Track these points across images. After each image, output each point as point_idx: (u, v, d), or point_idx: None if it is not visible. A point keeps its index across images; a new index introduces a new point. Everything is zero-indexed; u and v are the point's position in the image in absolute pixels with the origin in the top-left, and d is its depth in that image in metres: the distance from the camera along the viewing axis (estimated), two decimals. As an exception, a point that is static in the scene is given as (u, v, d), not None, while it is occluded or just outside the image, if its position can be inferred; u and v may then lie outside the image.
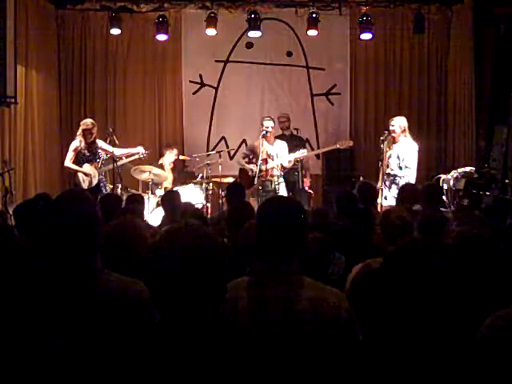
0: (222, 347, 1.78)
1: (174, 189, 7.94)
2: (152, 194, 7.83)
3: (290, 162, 7.59)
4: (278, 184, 7.58)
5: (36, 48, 8.43)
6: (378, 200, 6.53)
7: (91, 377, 1.86)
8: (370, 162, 8.82)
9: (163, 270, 1.74)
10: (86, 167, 7.46)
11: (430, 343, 1.72)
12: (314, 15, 8.83)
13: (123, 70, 9.55)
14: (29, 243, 3.13)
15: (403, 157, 7.07)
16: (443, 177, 7.71)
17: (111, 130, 7.76)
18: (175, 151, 8.69)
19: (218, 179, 8.32)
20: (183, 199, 6.36)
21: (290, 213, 2.11)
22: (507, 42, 8.74)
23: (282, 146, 7.70)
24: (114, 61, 9.52)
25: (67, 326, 1.87)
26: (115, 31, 9.00)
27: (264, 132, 7.53)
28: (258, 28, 8.81)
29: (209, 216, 7.17)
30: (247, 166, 7.86)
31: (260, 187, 7.39)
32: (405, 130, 7.19)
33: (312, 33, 8.92)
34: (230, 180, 8.14)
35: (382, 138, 7.21)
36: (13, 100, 7.35)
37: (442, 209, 5.98)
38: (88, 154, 7.47)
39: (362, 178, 7.56)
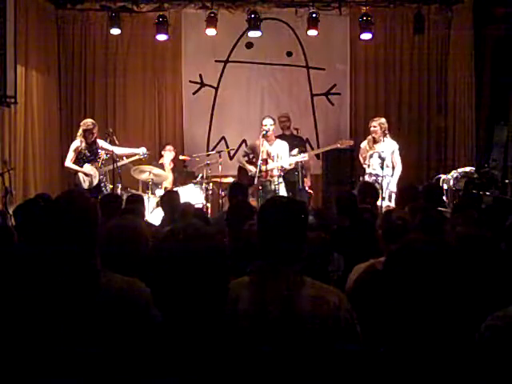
0: (223, 347, 1.78)
1: (174, 189, 7.95)
2: (152, 193, 7.83)
3: (290, 164, 7.59)
4: (278, 184, 7.57)
5: (36, 48, 8.43)
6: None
7: (92, 377, 1.86)
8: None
9: (165, 270, 1.74)
10: (87, 167, 7.46)
11: (430, 343, 1.72)
12: (313, 15, 8.83)
13: (123, 70, 9.54)
14: (28, 243, 3.13)
15: (385, 156, 7.24)
16: (443, 177, 7.72)
17: (111, 130, 7.77)
18: (171, 147, 8.69)
19: (218, 179, 8.31)
20: (183, 199, 6.37)
21: (291, 213, 2.11)
22: (507, 42, 8.74)
23: (282, 145, 7.69)
24: (114, 61, 9.51)
25: (68, 326, 1.87)
26: (115, 31, 9.00)
27: (264, 132, 7.52)
28: (258, 28, 8.80)
29: (209, 216, 7.17)
30: (247, 166, 7.86)
31: (260, 187, 7.38)
32: (385, 130, 7.41)
33: (312, 33, 8.92)
34: (230, 180, 8.14)
35: (364, 141, 7.60)
36: (13, 100, 7.35)
37: (442, 209, 5.98)
38: (89, 154, 7.47)
39: (362, 178, 7.58)
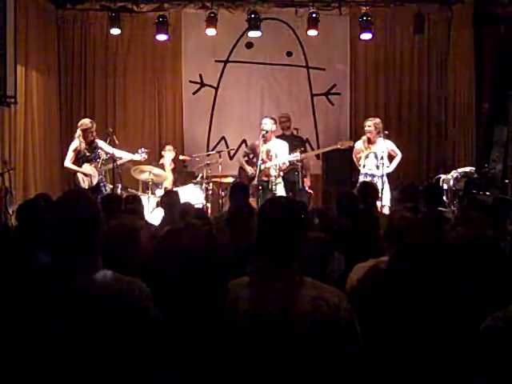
0: (222, 347, 1.78)
1: (174, 189, 7.95)
2: (152, 193, 7.83)
3: (283, 163, 7.57)
4: (276, 184, 7.57)
5: (36, 48, 8.43)
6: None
7: (91, 376, 1.86)
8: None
9: (165, 270, 1.74)
10: (86, 167, 7.44)
11: (432, 343, 1.72)
12: (314, 15, 8.83)
13: (123, 70, 9.54)
14: (29, 243, 3.13)
15: (381, 155, 7.25)
16: (443, 177, 7.73)
17: (111, 130, 7.76)
18: (171, 148, 8.69)
19: (218, 179, 8.31)
20: (183, 199, 6.36)
21: (290, 213, 2.11)
22: (507, 42, 8.74)
23: (282, 145, 7.69)
24: (114, 61, 9.51)
25: (67, 325, 1.87)
26: (115, 31, 9.00)
27: (264, 132, 7.52)
28: (258, 28, 8.80)
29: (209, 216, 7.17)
30: (245, 166, 7.85)
31: (259, 187, 7.38)
32: (380, 130, 7.43)
33: (312, 33, 8.92)
34: (230, 180, 8.14)
35: (358, 141, 7.61)
36: (13, 100, 7.35)
37: (442, 209, 5.98)
38: (88, 154, 7.46)
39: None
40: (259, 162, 7.32)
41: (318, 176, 9.17)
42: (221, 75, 9.66)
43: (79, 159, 7.43)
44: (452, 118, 9.42)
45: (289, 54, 9.66)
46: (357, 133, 9.47)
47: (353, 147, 8.30)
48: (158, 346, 1.86)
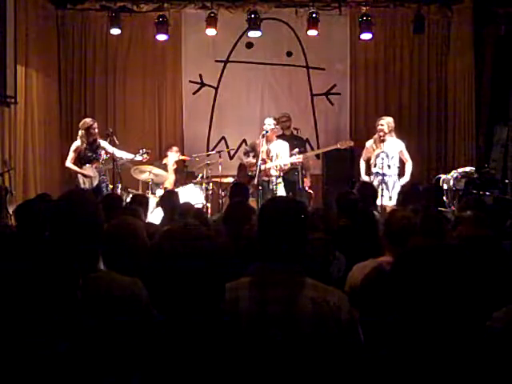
0: (222, 347, 1.77)
1: (174, 189, 7.95)
2: (152, 193, 7.83)
3: (285, 164, 7.57)
4: (276, 184, 7.56)
5: (36, 48, 8.42)
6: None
7: (91, 377, 1.86)
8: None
9: (163, 270, 1.74)
10: (87, 168, 7.43)
11: (437, 344, 1.72)
12: (314, 15, 8.83)
13: (123, 70, 9.54)
14: (29, 243, 3.12)
15: (392, 155, 7.23)
16: (443, 177, 7.72)
17: (111, 130, 7.75)
18: (177, 149, 8.70)
19: (218, 179, 8.32)
20: (183, 199, 6.36)
21: (291, 213, 2.11)
22: (507, 42, 8.75)
23: (282, 145, 7.68)
24: (114, 61, 9.51)
25: (67, 325, 1.87)
26: (115, 31, 8.99)
27: (264, 132, 7.52)
28: (258, 28, 8.80)
29: (209, 216, 7.17)
30: (245, 159, 7.81)
31: (260, 187, 7.37)
32: (392, 129, 7.39)
33: (312, 33, 8.92)
34: (230, 180, 8.14)
35: (370, 140, 7.52)
36: (13, 100, 7.35)
37: (442, 209, 5.99)
38: (90, 155, 7.44)
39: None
40: (259, 161, 7.31)
41: (318, 176, 9.17)
42: (221, 75, 9.66)
43: (80, 159, 7.42)
44: (452, 117, 9.42)
45: (289, 53, 9.66)
46: (357, 133, 9.49)
47: (353, 147, 8.31)
48: (158, 346, 1.86)
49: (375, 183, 7.09)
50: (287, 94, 9.68)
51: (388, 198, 7.09)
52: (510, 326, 1.77)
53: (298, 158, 7.51)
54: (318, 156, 9.19)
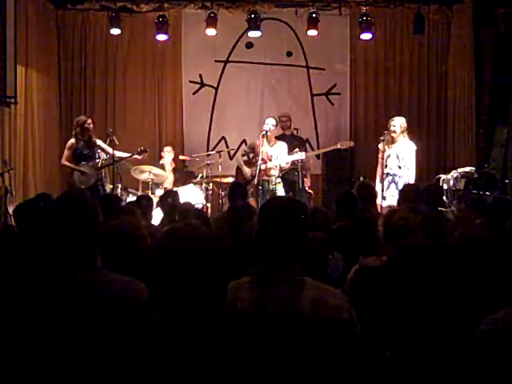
0: (222, 347, 1.78)
1: (174, 189, 7.95)
2: (152, 193, 7.82)
3: (287, 163, 7.56)
4: (276, 184, 7.56)
5: (36, 48, 8.43)
6: (378, 200, 6.53)
7: (91, 377, 1.86)
8: (370, 162, 8.79)
9: (164, 270, 1.74)
10: (84, 166, 7.38)
11: (431, 345, 1.72)
12: (313, 15, 8.82)
13: (123, 70, 9.55)
14: (29, 243, 3.13)
15: (402, 156, 7.17)
16: (443, 177, 7.71)
17: (111, 130, 7.74)
18: (170, 149, 8.69)
19: (218, 179, 8.31)
20: (183, 199, 6.36)
21: (291, 213, 2.11)
22: (507, 42, 8.75)
23: (281, 147, 7.68)
24: (114, 61, 9.52)
25: (66, 325, 1.87)
26: (115, 31, 8.99)
27: (264, 132, 7.51)
28: (258, 28, 8.80)
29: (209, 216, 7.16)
30: (243, 167, 7.82)
31: (259, 187, 7.38)
32: (404, 130, 7.27)
33: (312, 33, 8.92)
34: (230, 180, 8.13)
35: (381, 137, 7.25)
36: (13, 100, 7.35)
37: (442, 209, 5.98)
38: (86, 152, 7.40)
39: (362, 178, 7.55)
40: (259, 161, 7.31)
41: (318, 176, 9.18)
42: (221, 75, 9.66)
43: (76, 157, 7.36)
44: (452, 117, 9.42)
45: (289, 54, 9.66)
46: (357, 133, 9.50)
47: (353, 147, 8.29)
48: (158, 346, 1.86)
49: (385, 183, 7.06)
50: (287, 94, 9.68)
51: (397, 199, 7.04)
52: (510, 326, 1.77)
53: (300, 155, 7.49)
54: (318, 156, 9.19)
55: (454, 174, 7.65)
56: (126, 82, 9.56)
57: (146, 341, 1.90)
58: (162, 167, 8.39)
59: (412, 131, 9.41)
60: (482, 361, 1.74)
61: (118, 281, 2.02)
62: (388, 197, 6.99)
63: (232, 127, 9.62)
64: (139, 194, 7.64)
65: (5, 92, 7.10)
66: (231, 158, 9.34)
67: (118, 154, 7.48)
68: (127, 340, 1.90)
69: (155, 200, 7.65)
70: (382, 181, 7.11)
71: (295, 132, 8.69)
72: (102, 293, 1.94)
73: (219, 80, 9.66)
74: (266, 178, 7.50)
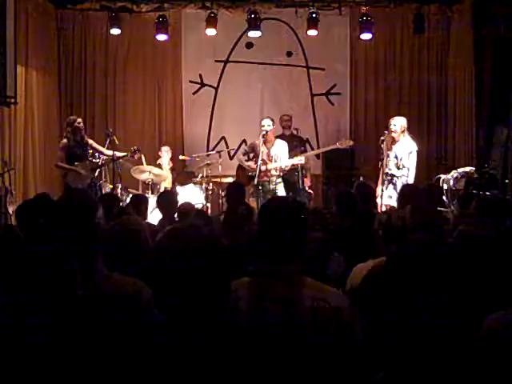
0: (223, 347, 1.78)
1: (176, 188, 7.96)
2: (152, 193, 7.83)
3: (286, 166, 7.57)
4: (276, 185, 7.57)
5: (36, 48, 8.43)
6: (378, 200, 6.53)
7: (91, 376, 1.86)
8: (370, 162, 8.81)
9: (166, 270, 1.74)
10: (78, 166, 7.33)
11: (431, 345, 1.72)
12: (313, 15, 8.83)
13: (123, 70, 9.55)
14: (30, 243, 3.13)
15: (401, 156, 7.12)
16: (443, 177, 7.71)
17: (111, 130, 7.73)
18: (167, 148, 8.67)
19: (218, 179, 8.32)
20: (183, 199, 6.36)
21: (291, 213, 2.11)
22: (507, 42, 8.74)
23: (282, 146, 7.68)
24: (114, 61, 9.52)
25: (68, 326, 1.87)
26: (115, 31, 9.00)
27: (264, 132, 7.51)
28: (258, 28, 8.81)
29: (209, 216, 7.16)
30: (245, 163, 7.82)
31: (259, 187, 7.38)
32: (404, 130, 7.21)
33: (312, 33, 8.93)
34: (230, 180, 8.13)
35: (382, 138, 7.21)
36: (13, 100, 7.34)
37: (442, 209, 5.98)
38: (79, 152, 7.34)
39: (361, 178, 7.55)
40: (259, 162, 7.31)
41: (318, 176, 9.18)
42: (221, 75, 9.66)
43: (70, 157, 7.28)
44: (452, 118, 9.42)
45: (289, 54, 9.67)
46: (357, 132, 9.50)
47: (353, 147, 8.27)
48: (159, 345, 1.86)
49: (385, 183, 7.04)
50: (287, 94, 9.68)
51: (396, 199, 7.03)
52: (510, 326, 1.77)
53: (300, 160, 7.50)
54: (318, 156, 9.19)
55: (454, 174, 7.64)
56: (126, 82, 9.57)
57: (147, 340, 1.90)
58: (159, 167, 8.39)
59: (412, 131, 9.45)
60: (483, 360, 1.74)
61: (120, 281, 2.02)
62: (385, 197, 6.96)
63: (232, 127, 9.62)
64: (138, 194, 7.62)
65: (5, 92, 7.09)
66: (231, 157, 9.34)
67: (109, 152, 7.40)
68: (129, 339, 1.90)
69: (154, 200, 7.67)
70: (382, 182, 7.08)
71: (295, 132, 8.69)
72: (103, 293, 1.94)
73: (219, 80, 9.66)
74: (266, 178, 7.50)
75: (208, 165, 8.35)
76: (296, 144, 8.02)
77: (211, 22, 8.80)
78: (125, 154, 7.52)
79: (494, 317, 1.81)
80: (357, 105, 9.67)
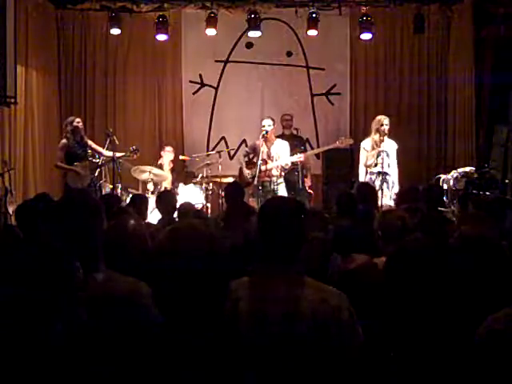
0: (223, 347, 1.77)
1: (177, 188, 7.96)
2: (152, 193, 7.83)
3: (286, 164, 7.58)
4: (277, 184, 7.57)
5: (36, 48, 8.43)
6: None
7: (91, 376, 1.86)
8: (369, 162, 8.81)
9: (165, 270, 1.74)
10: (78, 166, 7.33)
11: (431, 343, 1.72)
12: (313, 15, 8.83)
13: (123, 70, 9.55)
14: (30, 242, 3.13)
15: (391, 155, 7.20)
16: (443, 177, 7.72)
17: (111, 130, 7.73)
18: (171, 149, 8.67)
19: (218, 179, 8.32)
20: (183, 199, 6.36)
21: (291, 213, 2.11)
22: (507, 42, 8.75)
23: (283, 145, 7.69)
24: (114, 61, 9.52)
25: (68, 326, 1.87)
26: (115, 31, 9.00)
27: (264, 132, 7.52)
28: (258, 28, 8.81)
29: (209, 216, 7.17)
30: (244, 168, 7.84)
31: (260, 187, 7.39)
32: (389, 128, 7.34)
33: (312, 33, 8.93)
34: (230, 180, 8.14)
35: (365, 142, 7.40)
36: (13, 100, 7.34)
37: (442, 209, 5.98)
38: (79, 153, 7.35)
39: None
40: (259, 162, 7.32)
41: (318, 176, 9.17)
42: (221, 75, 9.66)
43: (69, 157, 7.28)
44: (452, 118, 9.42)
45: (289, 53, 9.66)
46: (357, 132, 9.48)
47: (353, 145, 8.27)
48: (160, 346, 1.86)
49: (377, 183, 7.05)
50: (287, 94, 9.68)
51: (389, 198, 7.07)
52: (510, 326, 1.77)
53: (299, 157, 7.51)
54: (318, 156, 9.19)
55: (454, 174, 7.66)
56: (126, 82, 9.56)
57: (148, 341, 1.90)
58: (160, 167, 8.39)
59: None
60: (483, 361, 1.74)
61: (121, 281, 2.02)
62: (386, 198, 6.99)
63: (232, 127, 9.62)
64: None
65: (5, 92, 7.09)
66: (231, 158, 9.35)
67: (108, 153, 7.39)
68: (130, 340, 1.90)
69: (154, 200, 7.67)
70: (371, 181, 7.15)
71: (295, 132, 8.69)
72: (104, 293, 1.94)
73: (219, 80, 9.66)
74: (267, 178, 7.51)
75: (208, 165, 8.36)
76: (296, 144, 8.02)
77: (211, 21, 8.80)
78: (124, 154, 7.53)
79: (494, 317, 1.81)
80: (357, 105, 9.66)
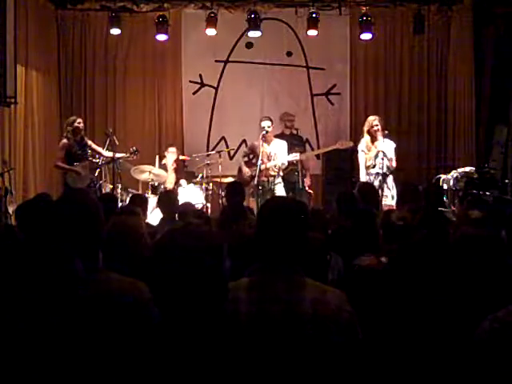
0: (222, 348, 1.77)
1: (178, 188, 7.96)
2: (152, 193, 7.83)
3: (283, 163, 7.59)
4: (275, 184, 7.57)
5: (36, 48, 8.43)
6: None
7: (91, 376, 1.86)
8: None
9: (165, 270, 1.74)
10: (78, 166, 7.33)
11: (431, 342, 1.72)
12: (313, 15, 8.83)
13: (123, 70, 9.55)
14: (30, 242, 3.13)
15: (389, 155, 7.19)
16: (443, 177, 7.72)
17: (111, 130, 7.73)
18: (174, 149, 8.67)
19: (218, 179, 8.32)
20: (183, 199, 6.36)
21: (291, 213, 2.10)
22: (507, 42, 8.75)
23: (281, 145, 7.70)
24: (114, 61, 9.52)
25: (68, 326, 1.87)
26: (115, 31, 9.00)
27: (264, 132, 7.52)
28: (258, 28, 8.81)
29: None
30: (243, 167, 7.85)
31: (259, 187, 7.39)
32: (383, 128, 7.30)
33: (312, 33, 8.93)
34: (230, 180, 8.14)
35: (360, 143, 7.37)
36: (13, 100, 7.34)
37: (442, 209, 5.99)
38: (79, 153, 7.35)
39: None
40: (259, 162, 7.32)
41: (318, 176, 9.18)
42: (221, 75, 9.66)
43: (70, 157, 7.28)
44: (452, 117, 9.42)
45: (289, 53, 9.67)
46: (357, 133, 9.47)
47: (353, 147, 8.27)
48: (158, 346, 1.86)
49: (376, 183, 7.05)
50: (287, 94, 9.68)
51: (391, 198, 7.06)
52: (510, 325, 1.77)
53: (295, 156, 7.53)
54: (318, 156, 9.20)
55: (454, 174, 7.66)
56: (126, 82, 9.56)
57: (147, 341, 1.90)
58: (165, 167, 8.39)
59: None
60: (483, 360, 1.74)
61: (120, 281, 2.01)
62: (388, 198, 6.98)
63: (232, 127, 9.62)
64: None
65: (5, 92, 7.08)
66: (231, 157, 9.35)
67: (108, 154, 7.39)
68: (128, 340, 1.90)
69: (155, 200, 7.68)
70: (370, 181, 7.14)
71: (295, 132, 8.69)
72: (103, 293, 1.94)
73: (219, 80, 9.66)
74: (264, 178, 7.51)
75: (208, 165, 8.36)
76: (295, 143, 8.02)
77: (211, 21, 8.80)
78: (124, 154, 7.53)
79: (493, 316, 1.80)
80: (357, 105, 9.67)
